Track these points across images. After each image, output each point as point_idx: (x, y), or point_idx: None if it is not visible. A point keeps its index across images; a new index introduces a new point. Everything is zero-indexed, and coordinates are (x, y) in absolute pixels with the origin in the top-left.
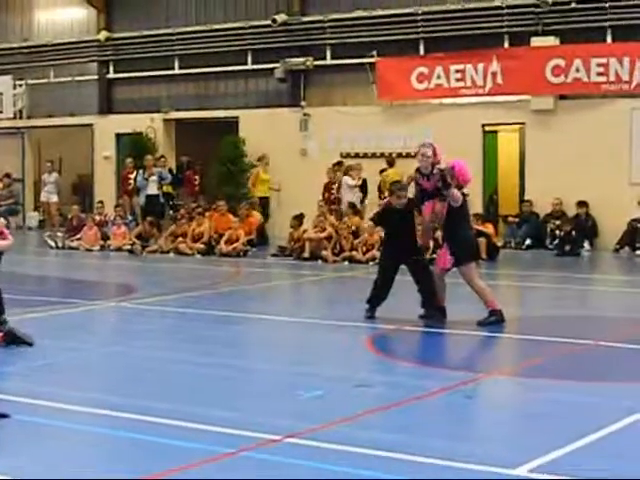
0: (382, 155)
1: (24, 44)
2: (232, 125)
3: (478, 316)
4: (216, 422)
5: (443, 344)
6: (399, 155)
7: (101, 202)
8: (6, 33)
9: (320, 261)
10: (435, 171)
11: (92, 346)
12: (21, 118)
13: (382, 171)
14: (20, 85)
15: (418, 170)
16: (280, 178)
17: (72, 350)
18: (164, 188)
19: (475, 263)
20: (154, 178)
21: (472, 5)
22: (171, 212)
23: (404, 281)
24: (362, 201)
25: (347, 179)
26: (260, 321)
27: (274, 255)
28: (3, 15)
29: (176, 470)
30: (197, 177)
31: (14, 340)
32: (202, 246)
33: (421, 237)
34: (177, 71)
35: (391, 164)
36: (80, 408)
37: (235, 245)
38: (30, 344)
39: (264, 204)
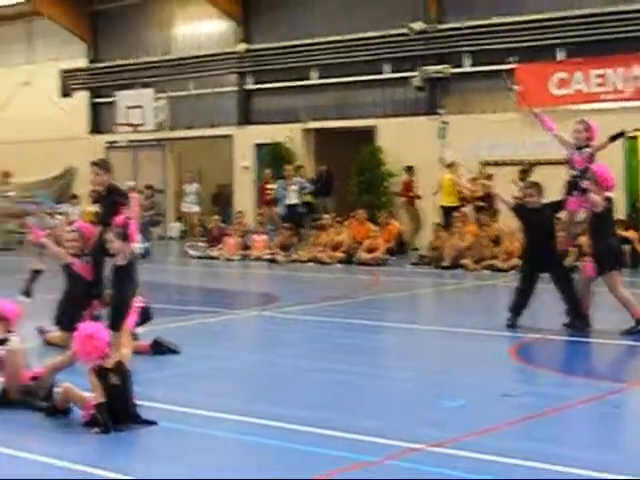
0: (521, 162)
1: (165, 57)
2: (370, 134)
3: (624, 325)
4: (358, 430)
5: (588, 353)
6: (538, 162)
7: (240, 212)
8: (147, 47)
9: (460, 269)
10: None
11: (235, 354)
12: (162, 130)
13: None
14: (161, 98)
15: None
16: (419, 186)
17: (215, 358)
18: (304, 198)
19: (619, 271)
20: (294, 188)
21: (611, 9)
22: (311, 222)
23: (547, 289)
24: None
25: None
26: (400, 330)
27: (414, 264)
28: (144, 30)
29: (321, 478)
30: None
31: (161, 349)
32: (341, 255)
33: (561, 242)
34: (315, 81)
35: (526, 172)
36: (224, 415)
37: (375, 254)
38: (177, 352)
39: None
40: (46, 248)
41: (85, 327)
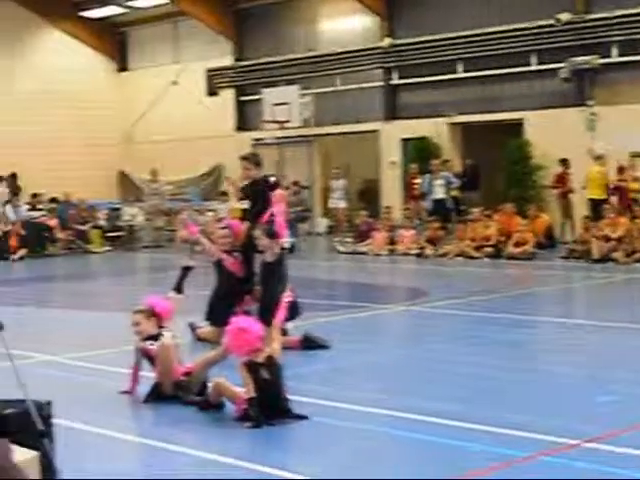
0: None
1: (310, 54)
2: (517, 127)
3: None
4: (510, 425)
5: None
6: None
7: (388, 207)
8: (292, 44)
9: (611, 263)
10: None
11: (384, 349)
12: (309, 126)
13: None
14: (307, 94)
15: None
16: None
17: (364, 353)
18: (451, 192)
19: None
20: (440, 182)
21: None
22: (458, 216)
23: None
24: None
25: None
26: (551, 324)
27: (563, 257)
28: (289, 27)
29: (474, 473)
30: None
31: (311, 344)
32: (490, 249)
33: None
34: (461, 75)
35: None
36: (375, 410)
37: (523, 248)
38: (326, 347)
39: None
40: (198, 244)
41: (238, 321)
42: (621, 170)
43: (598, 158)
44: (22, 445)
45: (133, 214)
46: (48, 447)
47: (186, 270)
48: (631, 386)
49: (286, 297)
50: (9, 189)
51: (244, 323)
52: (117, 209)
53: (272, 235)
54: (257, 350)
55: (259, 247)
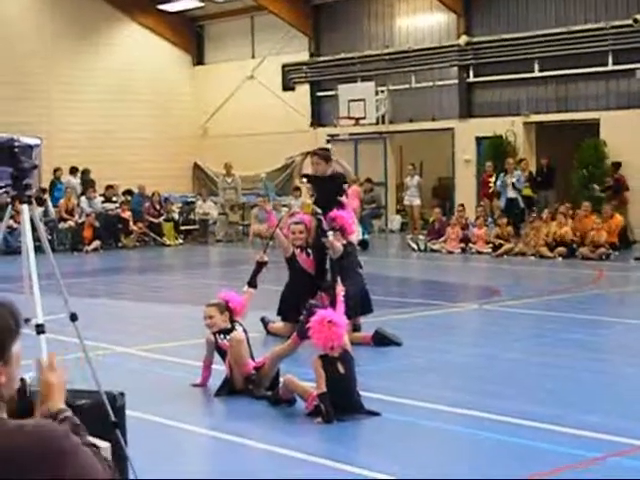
0: None
1: (386, 51)
2: (593, 127)
3: None
4: (579, 425)
5: None
6: None
7: (462, 205)
8: (369, 41)
9: None
10: None
11: (456, 347)
12: (383, 123)
13: None
14: (382, 91)
15: None
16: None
17: (436, 351)
18: (524, 191)
19: None
20: (513, 181)
21: None
22: (530, 215)
23: None
24: None
25: None
26: (625, 325)
27: (638, 258)
28: (367, 24)
29: (545, 473)
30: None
31: (383, 340)
32: (563, 249)
33: None
34: (537, 74)
35: None
36: (447, 408)
37: (598, 248)
38: (399, 344)
39: None
40: (272, 239)
41: (325, 314)
42: None
43: None
44: (94, 436)
45: (207, 208)
46: (120, 438)
47: (260, 265)
48: None
49: (340, 291)
50: (82, 181)
51: (332, 316)
52: (191, 202)
53: (337, 231)
54: (342, 344)
55: (326, 244)
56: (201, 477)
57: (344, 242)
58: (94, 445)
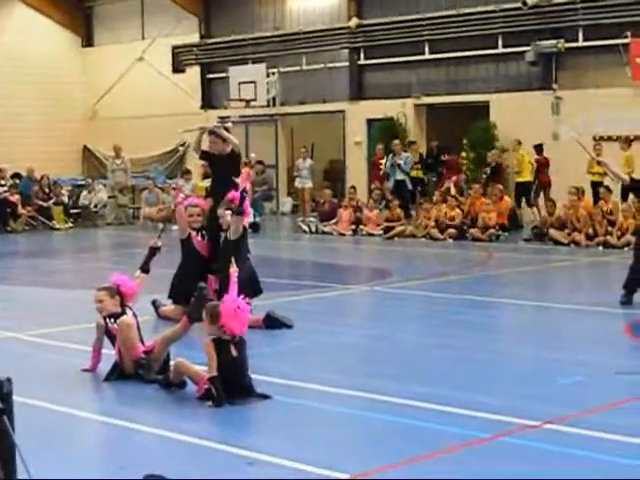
0: (637, 138)
1: (276, 33)
2: (483, 109)
3: None
4: (472, 406)
5: None
6: None
7: (353, 187)
8: (260, 22)
9: (573, 246)
10: None
11: (348, 329)
12: (274, 105)
13: None
14: (273, 73)
15: None
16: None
17: (328, 333)
18: (413, 173)
19: None
20: (400, 163)
21: None
22: (420, 197)
23: None
24: None
25: None
26: (512, 306)
27: (526, 240)
28: (256, 5)
29: (433, 454)
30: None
31: (274, 322)
32: (454, 230)
33: None
34: (427, 56)
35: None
36: (338, 390)
37: (488, 230)
38: (290, 326)
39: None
40: (163, 222)
41: (231, 300)
42: None
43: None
44: None
45: (97, 191)
46: (7, 425)
47: (153, 250)
48: (590, 368)
49: (234, 272)
50: None
51: (237, 303)
52: (81, 185)
53: (239, 213)
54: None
55: (223, 225)
56: (91, 462)
57: (244, 224)
58: None
